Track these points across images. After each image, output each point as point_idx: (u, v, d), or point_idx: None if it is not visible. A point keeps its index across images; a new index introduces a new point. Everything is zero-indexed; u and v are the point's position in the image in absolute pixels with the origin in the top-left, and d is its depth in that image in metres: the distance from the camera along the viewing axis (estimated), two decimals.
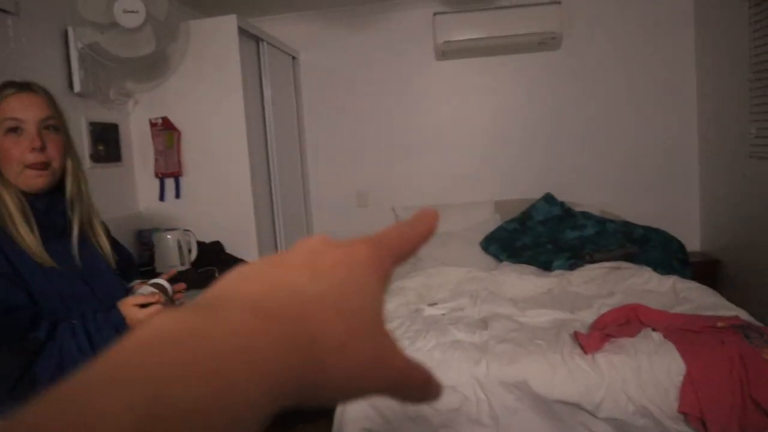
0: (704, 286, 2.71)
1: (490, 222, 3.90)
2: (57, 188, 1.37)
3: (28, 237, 1.27)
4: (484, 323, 2.52)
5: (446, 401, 2.15)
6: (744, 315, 2.31)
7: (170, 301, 1.42)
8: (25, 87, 1.32)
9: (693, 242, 3.93)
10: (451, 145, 4.21)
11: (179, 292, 1.49)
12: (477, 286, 3.01)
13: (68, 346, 1.21)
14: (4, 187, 1.28)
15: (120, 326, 1.27)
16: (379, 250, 0.31)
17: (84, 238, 1.41)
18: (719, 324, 2.17)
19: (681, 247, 3.40)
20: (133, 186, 3.15)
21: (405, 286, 3.08)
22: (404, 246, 0.33)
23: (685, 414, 1.96)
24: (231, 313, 0.24)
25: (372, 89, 4.20)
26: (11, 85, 1.32)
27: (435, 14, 3.91)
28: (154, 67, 3.04)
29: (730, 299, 2.56)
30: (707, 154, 3.93)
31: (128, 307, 1.30)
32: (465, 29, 3.87)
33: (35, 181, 1.30)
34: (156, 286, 1.41)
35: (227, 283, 0.28)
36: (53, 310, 1.26)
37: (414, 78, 4.19)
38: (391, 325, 2.53)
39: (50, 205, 1.35)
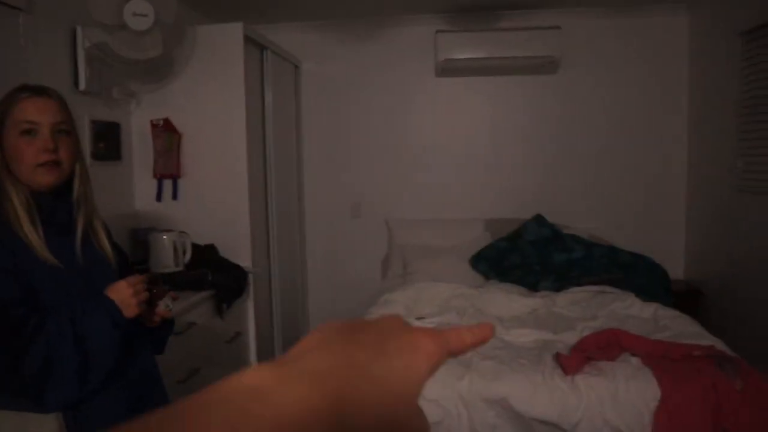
0: (684, 315, 2.78)
1: (480, 239, 3.96)
2: (64, 188, 1.42)
3: (31, 235, 1.33)
4: None
5: (428, 414, 2.19)
6: (720, 345, 2.37)
7: (162, 294, 1.49)
8: (41, 91, 1.38)
9: (677, 271, 4.00)
10: (446, 160, 4.28)
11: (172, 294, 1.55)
12: (464, 303, 3.06)
13: (54, 338, 1.25)
14: (13, 185, 1.34)
15: (110, 309, 1.32)
16: (441, 346, 0.38)
17: (86, 238, 1.46)
18: (695, 353, 2.24)
19: (665, 275, 3.47)
20: (131, 185, 3.19)
21: (394, 299, 3.14)
22: (459, 345, 0.40)
23: None
24: (299, 384, 0.31)
25: (371, 102, 4.26)
26: (27, 88, 1.38)
27: (437, 32, 3.98)
28: (158, 69, 3.09)
29: (708, 329, 2.62)
30: (694, 186, 4.02)
31: (118, 290, 1.35)
32: (465, 48, 3.94)
33: (46, 177, 1.36)
34: (155, 277, 1.48)
35: (311, 343, 0.36)
36: (54, 307, 1.31)
37: (413, 93, 4.26)
38: None
39: (57, 204, 1.40)
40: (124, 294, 1.35)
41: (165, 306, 1.52)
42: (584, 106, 4.15)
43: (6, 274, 1.27)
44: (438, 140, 4.28)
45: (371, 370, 0.34)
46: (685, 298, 3.53)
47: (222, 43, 3.13)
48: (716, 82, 3.67)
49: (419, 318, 2.88)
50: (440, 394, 2.20)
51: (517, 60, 3.92)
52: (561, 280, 3.34)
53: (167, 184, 3.16)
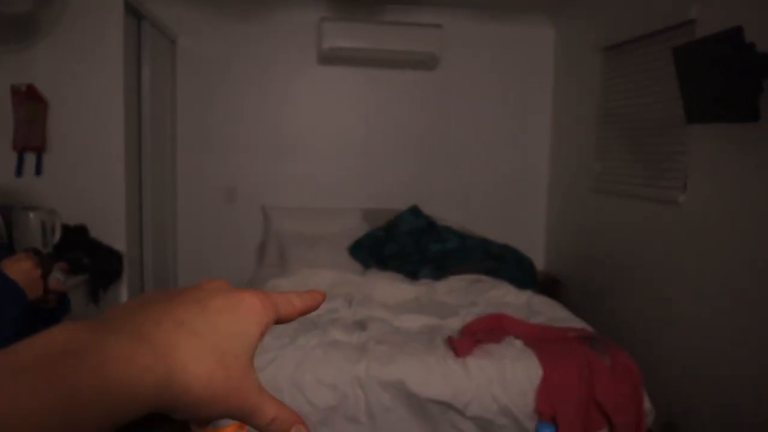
0: (554, 302, 3.03)
1: (358, 229, 4.02)
2: None
3: None
4: (360, 325, 2.61)
5: (325, 399, 2.20)
6: (588, 328, 2.62)
7: (50, 267, 1.33)
8: None
9: (538, 262, 4.34)
10: (325, 149, 4.28)
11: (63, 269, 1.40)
12: (351, 290, 3.09)
13: None
14: None
15: (15, 291, 1.17)
16: (267, 306, 0.37)
17: None
18: (570, 334, 2.46)
19: (532, 265, 3.74)
20: None
21: (279, 285, 3.09)
22: (289, 310, 0.39)
23: (540, 413, 2.19)
24: (120, 336, 0.30)
25: (250, 85, 4.14)
26: None
27: (322, 19, 3.97)
28: (22, 28, 2.77)
29: None
30: (555, 186, 4.38)
31: (20, 264, 1.20)
32: (349, 38, 3.96)
33: None
34: (35, 251, 1.33)
35: (131, 304, 0.34)
36: None
37: (294, 79, 4.20)
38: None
39: None
40: (28, 267, 1.19)
41: (56, 279, 1.36)
42: (459, 103, 4.35)
43: None
44: (317, 128, 4.26)
45: (193, 325, 0.33)
46: (545, 287, 3.84)
47: (99, 7, 2.88)
48: (578, 92, 4.02)
49: None
50: (337, 378, 2.22)
51: (399, 54, 4.03)
52: (439, 269, 3.48)
53: (30, 158, 2.85)
